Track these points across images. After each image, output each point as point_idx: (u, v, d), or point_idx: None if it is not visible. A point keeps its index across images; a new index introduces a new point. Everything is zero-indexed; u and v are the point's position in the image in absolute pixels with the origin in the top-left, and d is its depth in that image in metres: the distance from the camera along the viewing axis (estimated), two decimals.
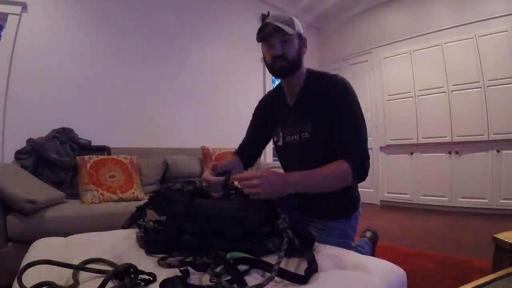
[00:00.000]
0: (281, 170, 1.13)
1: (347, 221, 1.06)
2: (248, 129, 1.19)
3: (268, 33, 0.93)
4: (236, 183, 0.91)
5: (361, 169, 0.89)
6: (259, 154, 1.22)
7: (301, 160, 0.93)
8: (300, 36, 0.98)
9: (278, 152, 1.13)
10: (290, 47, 0.94)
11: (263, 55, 1.02)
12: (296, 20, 0.96)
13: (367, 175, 0.93)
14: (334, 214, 1.05)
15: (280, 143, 1.07)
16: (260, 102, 1.19)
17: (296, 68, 0.98)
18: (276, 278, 0.56)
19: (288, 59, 0.94)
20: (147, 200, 0.90)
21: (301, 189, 0.80)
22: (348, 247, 1.05)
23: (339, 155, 0.89)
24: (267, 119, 1.12)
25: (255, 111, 1.18)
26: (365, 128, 0.93)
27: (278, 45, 0.93)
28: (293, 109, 1.03)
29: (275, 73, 0.99)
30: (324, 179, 0.84)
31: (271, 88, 4.39)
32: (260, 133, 1.15)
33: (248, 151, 1.19)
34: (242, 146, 1.20)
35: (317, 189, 0.84)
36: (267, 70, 3.80)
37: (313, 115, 0.96)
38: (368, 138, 0.87)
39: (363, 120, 0.93)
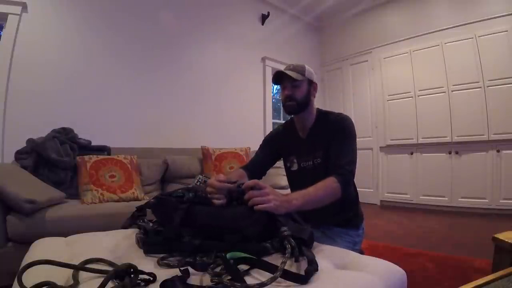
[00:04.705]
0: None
1: (356, 231, 1.20)
2: (258, 152, 1.34)
3: (279, 78, 1.15)
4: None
5: (347, 184, 1.03)
6: (264, 173, 1.34)
7: (314, 182, 0.99)
8: (310, 82, 1.17)
9: (292, 176, 1.29)
10: (298, 91, 1.14)
11: (280, 96, 1.22)
12: (308, 68, 1.16)
13: (351, 190, 1.14)
14: (345, 222, 1.19)
15: (294, 168, 1.25)
16: (271, 133, 1.37)
17: (304, 108, 1.16)
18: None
19: (297, 100, 1.13)
20: (147, 201, 0.90)
21: (301, 205, 0.87)
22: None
23: (331, 170, 1.04)
24: (280, 147, 1.30)
25: (266, 139, 1.35)
26: (355, 154, 1.10)
27: (289, 88, 1.14)
28: (306, 141, 1.21)
29: (286, 110, 1.19)
30: (320, 196, 0.94)
31: (271, 89, 4.37)
32: (270, 157, 1.32)
33: (257, 168, 1.31)
34: (252, 162, 1.32)
35: (314, 205, 0.93)
36: (267, 71, 3.79)
37: (323, 143, 1.14)
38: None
39: (355, 147, 1.12)
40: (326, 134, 1.14)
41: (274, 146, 1.31)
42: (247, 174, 1.22)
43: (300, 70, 1.14)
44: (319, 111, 1.22)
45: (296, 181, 1.28)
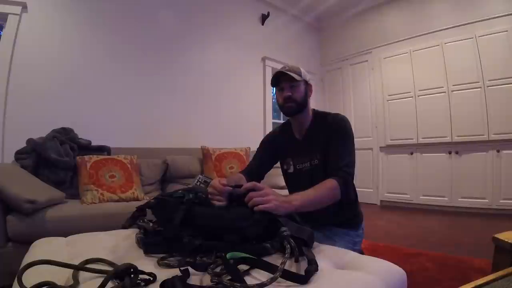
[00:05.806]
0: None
1: (356, 231, 1.20)
2: (255, 155, 1.33)
3: (280, 79, 1.14)
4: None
5: (348, 187, 1.03)
6: (263, 177, 1.34)
7: (311, 183, 0.99)
8: (306, 82, 1.17)
9: (288, 178, 1.29)
10: (297, 91, 1.14)
11: (276, 98, 1.22)
12: (303, 70, 1.17)
13: (351, 191, 1.11)
14: (344, 223, 1.19)
15: (291, 170, 1.24)
16: (268, 135, 1.37)
17: (303, 109, 1.17)
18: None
19: (296, 101, 1.13)
20: (147, 201, 0.90)
21: (301, 207, 0.87)
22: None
23: (330, 172, 1.04)
24: (277, 149, 1.29)
25: (263, 142, 1.35)
26: (354, 155, 1.10)
27: (288, 89, 1.13)
28: (302, 142, 1.21)
29: (285, 112, 1.18)
30: (319, 198, 0.94)
31: (271, 89, 4.38)
32: (268, 160, 1.32)
33: (256, 172, 1.30)
34: (250, 167, 1.31)
35: (314, 207, 0.93)
36: (267, 71, 3.79)
37: (321, 145, 1.13)
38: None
39: (353, 148, 1.12)
40: (323, 135, 1.13)
41: (272, 148, 1.31)
42: (246, 179, 1.22)
43: (297, 71, 1.14)
44: (315, 112, 1.22)
45: (293, 183, 1.28)
